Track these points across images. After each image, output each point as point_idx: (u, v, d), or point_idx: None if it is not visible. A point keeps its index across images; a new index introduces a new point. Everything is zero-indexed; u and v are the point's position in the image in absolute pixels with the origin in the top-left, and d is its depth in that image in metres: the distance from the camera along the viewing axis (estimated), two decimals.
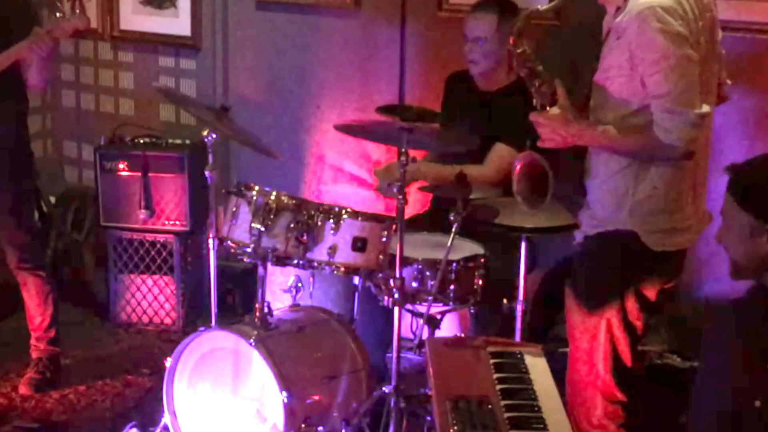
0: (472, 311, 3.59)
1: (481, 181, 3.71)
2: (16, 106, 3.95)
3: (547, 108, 2.99)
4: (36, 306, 4.09)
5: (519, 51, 3.01)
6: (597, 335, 3.06)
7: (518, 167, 3.12)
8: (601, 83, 2.99)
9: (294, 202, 3.37)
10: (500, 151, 3.84)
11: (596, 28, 3.11)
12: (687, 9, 2.82)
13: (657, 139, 2.84)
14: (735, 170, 2.39)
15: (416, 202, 4.29)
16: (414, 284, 3.40)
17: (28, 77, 3.85)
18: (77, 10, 3.77)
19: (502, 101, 3.92)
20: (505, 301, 3.43)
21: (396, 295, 3.23)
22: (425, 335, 3.33)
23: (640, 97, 2.89)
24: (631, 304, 3.03)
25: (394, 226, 3.32)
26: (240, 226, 3.40)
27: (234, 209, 3.42)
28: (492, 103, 3.96)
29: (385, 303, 3.37)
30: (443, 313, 3.46)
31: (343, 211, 3.34)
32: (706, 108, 2.85)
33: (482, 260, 3.49)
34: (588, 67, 3.09)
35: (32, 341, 4.15)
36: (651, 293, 3.04)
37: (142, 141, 4.72)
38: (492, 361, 2.67)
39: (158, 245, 4.69)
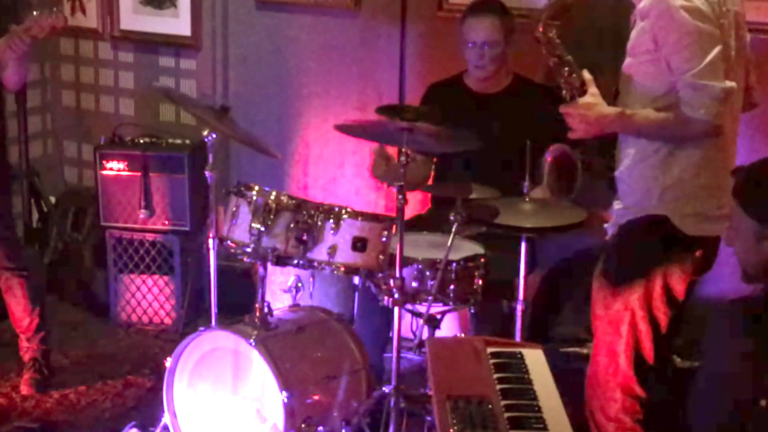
0: (472, 311, 3.58)
1: None
2: None
3: (577, 98, 2.99)
4: (23, 308, 4.03)
5: (548, 39, 3.00)
6: (620, 328, 3.04)
7: (548, 159, 3.11)
8: (627, 71, 2.99)
9: (294, 202, 3.36)
10: None
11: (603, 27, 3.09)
12: None
13: (684, 115, 2.85)
14: (738, 174, 2.38)
15: (416, 203, 4.28)
16: (414, 284, 3.40)
17: (3, 77, 3.75)
18: (54, 8, 3.72)
19: (510, 102, 3.94)
20: (505, 301, 3.44)
21: (396, 295, 3.23)
22: (425, 335, 3.33)
23: (666, 80, 2.89)
24: (658, 295, 3.00)
25: (394, 226, 3.32)
26: (240, 226, 3.40)
27: (234, 209, 3.42)
28: (497, 105, 3.96)
29: (385, 303, 3.37)
30: (443, 313, 3.46)
31: (343, 211, 3.34)
32: (730, 83, 2.84)
33: (482, 260, 3.49)
34: (606, 65, 3.08)
35: (23, 343, 4.10)
36: (679, 286, 3.01)
37: (142, 141, 4.72)
38: (492, 361, 2.67)
39: (158, 245, 4.69)
